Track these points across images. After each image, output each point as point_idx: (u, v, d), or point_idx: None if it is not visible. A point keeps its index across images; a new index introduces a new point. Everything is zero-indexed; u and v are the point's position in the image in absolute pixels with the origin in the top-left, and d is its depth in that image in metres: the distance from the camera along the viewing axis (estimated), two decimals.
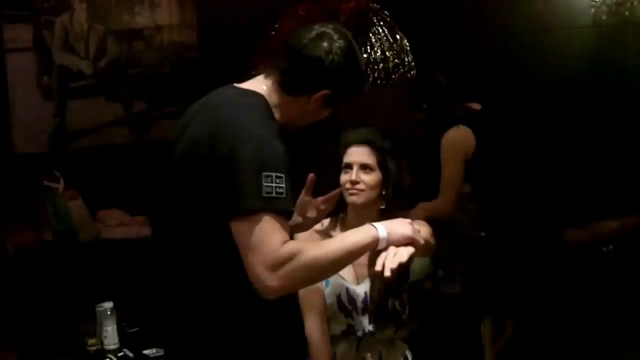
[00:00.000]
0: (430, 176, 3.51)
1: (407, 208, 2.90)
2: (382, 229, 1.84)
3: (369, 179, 2.48)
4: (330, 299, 2.51)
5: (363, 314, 2.51)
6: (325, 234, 2.55)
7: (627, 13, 4.44)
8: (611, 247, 3.90)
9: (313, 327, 2.51)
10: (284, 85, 1.90)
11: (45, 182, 4.09)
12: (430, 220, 3.37)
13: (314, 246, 1.76)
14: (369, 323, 2.50)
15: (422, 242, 1.92)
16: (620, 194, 4.30)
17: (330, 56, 1.86)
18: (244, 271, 1.71)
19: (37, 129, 4.39)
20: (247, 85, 1.94)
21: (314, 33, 1.90)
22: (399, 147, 2.55)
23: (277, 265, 1.65)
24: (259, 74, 1.97)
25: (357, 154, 2.50)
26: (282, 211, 1.70)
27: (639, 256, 3.84)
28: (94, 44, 4.59)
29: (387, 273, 1.80)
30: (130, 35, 4.74)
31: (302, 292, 2.50)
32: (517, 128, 3.78)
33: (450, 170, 3.49)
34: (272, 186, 1.66)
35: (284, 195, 1.68)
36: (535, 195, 3.51)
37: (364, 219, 2.47)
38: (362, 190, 2.47)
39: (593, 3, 4.51)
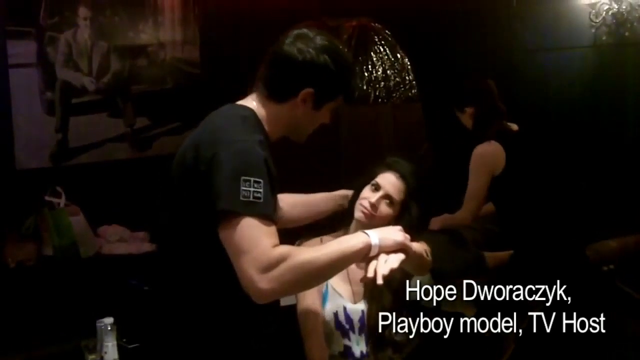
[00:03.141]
0: (459, 184, 3.51)
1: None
2: (374, 235, 1.86)
3: (386, 211, 2.47)
4: (327, 317, 2.50)
5: (360, 334, 2.49)
6: None
7: (627, 33, 4.47)
8: (612, 266, 3.90)
9: (313, 347, 2.49)
10: (267, 92, 1.91)
11: (47, 198, 4.10)
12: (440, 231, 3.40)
13: (305, 250, 1.77)
14: (366, 344, 2.49)
15: (413, 248, 1.93)
16: (620, 213, 4.31)
17: (305, 54, 1.87)
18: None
19: (39, 144, 4.40)
20: (241, 102, 1.95)
21: (291, 35, 1.92)
22: (426, 192, 2.55)
23: (269, 267, 1.65)
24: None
25: (391, 183, 2.49)
26: (262, 215, 1.69)
27: (638, 275, 3.84)
28: (97, 60, 4.61)
29: (380, 280, 1.81)
30: (133, 51, 4.77)
31: (302, 312, 2.49)
32: (519, 148, 3.77)
33: (473, 183, 3.44)
34: (250, 190, 1.67)
35: (261, 201, 1.68)
36: (542, 215, 3.49)
37: None
38: (374, 215, 2.47)
39: (593, 23, 4.54)
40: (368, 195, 2.49)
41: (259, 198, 1.67)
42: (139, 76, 4.80)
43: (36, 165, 4.36)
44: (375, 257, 1.85)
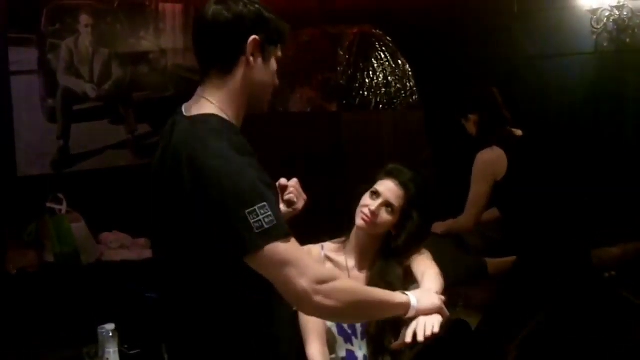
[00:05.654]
0: (462, 190, 3.50)
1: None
2: (413, 298, 1.93)
3: (386, 218, 2.48)
4: (329, 322, 2.50)
5: (362, 339, 2.49)
6: (330, 256, 2.56)
7: (628, 40, 4.47)
8: (613, 273, 3.89)
9: (315, 351, 2.48)
10: (215, 68, 1.81)
11: (48, 205, 4.10)
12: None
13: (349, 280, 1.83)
14: (367, 349, 2.47)
15: (448, 313, 2.00)
16: (621, 219, 4.30)
17: (234, 7, 1.77)
18: (244, 296, 1.73)
19: (41, 151, 4.41)
20: (194, 109, 1.82)
21: (209, 3, 1.82)
22: (427, 198, 2.56)
23: (321, 280, 1.66)
24: None
25: (390, 191, 2.50)
26: (286, 235, 1.66)
27: (638, 281, 3.83)
28: (98, 67, 4.62)
29: (421, 338, 1.89)
30: (135, 58, 4.78)
31: (304, 316, 2.49)
32: (521, 153, 3.77)
33: (475, 189, 3.44)
34: (260, 219, 1.61)
35: (275, 222, 1.63)
36: (545, 220, 3.48)
37: (366, 244, 2.52)
38: (373, 222, 2.47)
39: (594, 30, 4.54)
40: (368, 203, 2.49)
41: (272, 221, 1.62)
42: (140, 83, 4.81)
43: (37, 172, 4.36)
44: (413, 318, 1.94)
